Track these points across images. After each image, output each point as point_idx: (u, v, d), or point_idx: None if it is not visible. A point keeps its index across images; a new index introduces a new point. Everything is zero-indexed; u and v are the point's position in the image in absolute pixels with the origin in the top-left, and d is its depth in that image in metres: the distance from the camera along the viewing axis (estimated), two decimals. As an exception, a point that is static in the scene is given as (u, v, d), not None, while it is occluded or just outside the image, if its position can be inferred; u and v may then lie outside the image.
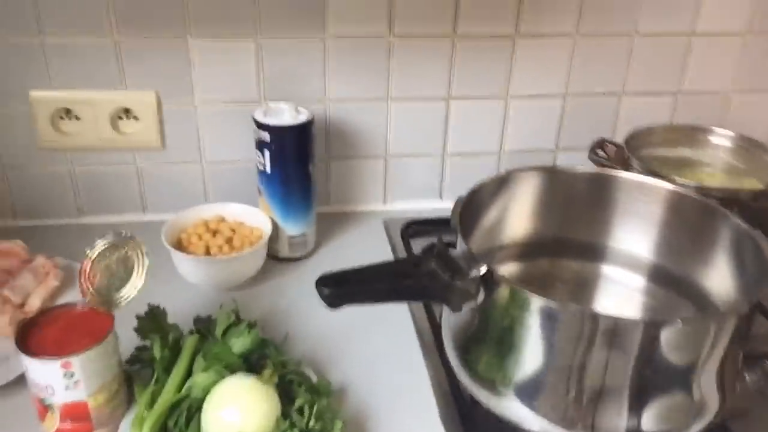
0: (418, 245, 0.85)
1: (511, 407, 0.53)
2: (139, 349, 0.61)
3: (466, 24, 0.83)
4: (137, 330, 0.60)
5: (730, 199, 0.71)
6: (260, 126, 0.75)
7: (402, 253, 0.84)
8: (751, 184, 0.84)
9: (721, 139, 0.87)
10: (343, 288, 0.49)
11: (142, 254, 0.57)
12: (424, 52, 0.85)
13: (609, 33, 0.87)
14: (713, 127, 0.88)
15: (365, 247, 0.86)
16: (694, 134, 0.88)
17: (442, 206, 0.94)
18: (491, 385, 0.54)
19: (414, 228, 0.89)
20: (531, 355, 0.51)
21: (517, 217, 0.67)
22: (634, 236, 0.67)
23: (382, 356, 0.67)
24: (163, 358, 0.58)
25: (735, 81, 0.93)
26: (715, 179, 0.85)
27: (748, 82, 0.93)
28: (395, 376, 0.65)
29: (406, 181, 0.93)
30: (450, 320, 0.59)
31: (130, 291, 0.56)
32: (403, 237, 0.87)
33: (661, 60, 0.90)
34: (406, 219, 0.90)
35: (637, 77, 0.90)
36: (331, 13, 0.80)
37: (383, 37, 0.83)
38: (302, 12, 0.80)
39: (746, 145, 0.86)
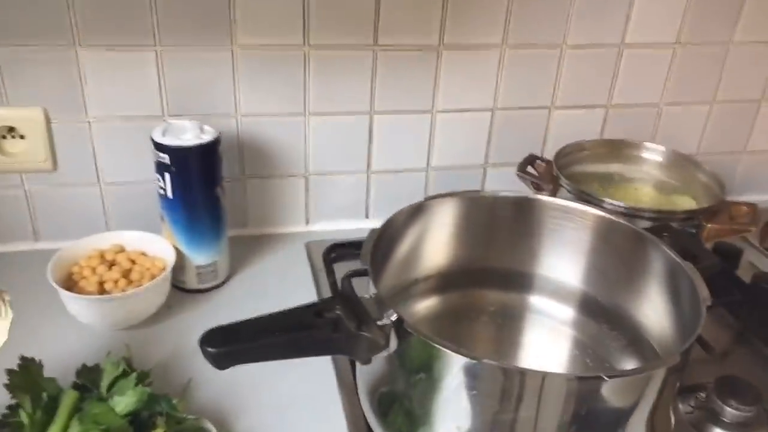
0: (342, 269, 0.80)
1: (429, 465, 0.48)
2: (10, 408, 0.53)
3: (388, 34, 0.78)
4: (7, 387, 0.52)
5: (663, 221, 0.68)
6: (159, 147, 0.68)
7: (324, 280, 0.78)
8: (683, 200, 0.81)
9: (653, 154, 0.85)
10: (231, 346, 0.43)
11: (5, 304, 0.49)
12: (343, 64, 0.79)
13: (538, 44, 0.83)
14: (644, 143, 0.85)
15: (284, 274, 0.79)
16: (625, 149, 0.85)
17: (369, 226, 0.87)
18: (408, 441, 0.49)
19: (338, 251, 0.83)
20: (447, 410, 0.46)
21: (437, 247, 0.62)
22: (563, 264, 0.63)
23: (296, 402, 0.61)
24: (35, 422, 0.50)
25: (666, 93, 0.90)
26: (647, 196, 0.82)
27: (678, 95, 0.91)
28: (309, 425, 0.59)
29: (330, 201, 0.87)
30: (364, 370, 0.53)
31: (-11, 348, 0.49)
32: (325, 261, 0.81)
33: (591, 72, 0.87)
34: (329, 241, 0.84)
35: (568, 90, 0.87)
36: (239, 21, 0.73)
37: (298, 47, 0.76)
38: (207, 19, 0.73)
39: (678, 161, 0.84)
